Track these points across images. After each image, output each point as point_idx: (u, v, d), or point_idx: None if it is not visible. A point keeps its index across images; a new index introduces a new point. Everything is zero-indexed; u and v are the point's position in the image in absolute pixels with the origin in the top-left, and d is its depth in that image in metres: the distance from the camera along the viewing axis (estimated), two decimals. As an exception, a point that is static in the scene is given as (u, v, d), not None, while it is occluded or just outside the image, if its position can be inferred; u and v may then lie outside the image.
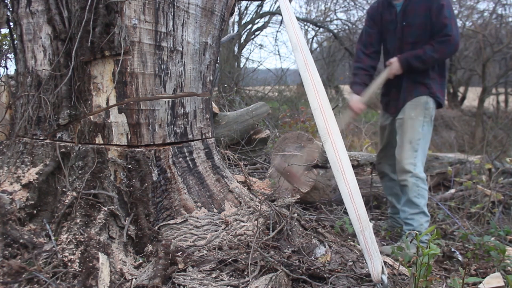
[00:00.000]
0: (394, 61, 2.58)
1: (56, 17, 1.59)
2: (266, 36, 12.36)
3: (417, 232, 1.59)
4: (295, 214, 2.07)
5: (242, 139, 3.74)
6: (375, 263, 1.48)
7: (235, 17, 8.60)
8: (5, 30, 2.39)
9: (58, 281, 1.34)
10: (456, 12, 10.70)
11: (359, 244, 1.66)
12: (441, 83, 2.66)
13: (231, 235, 1.77)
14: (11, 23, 1.80)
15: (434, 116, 2.66)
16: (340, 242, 2.12)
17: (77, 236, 1.47)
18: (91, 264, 1.36)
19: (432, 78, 2.61)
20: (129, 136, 1.65)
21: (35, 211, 1.57)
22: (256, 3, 8.63)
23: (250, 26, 9.31)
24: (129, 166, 1.64)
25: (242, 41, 9.25)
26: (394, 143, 2.70)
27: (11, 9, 1.74)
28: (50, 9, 1.59)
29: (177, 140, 1.77)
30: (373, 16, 2.76)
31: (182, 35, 1.72)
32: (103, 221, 1.54)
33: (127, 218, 1.62)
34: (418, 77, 2.60)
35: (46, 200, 1.61)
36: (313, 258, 1.75)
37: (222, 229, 1.77)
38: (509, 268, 2.09)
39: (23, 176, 1.60)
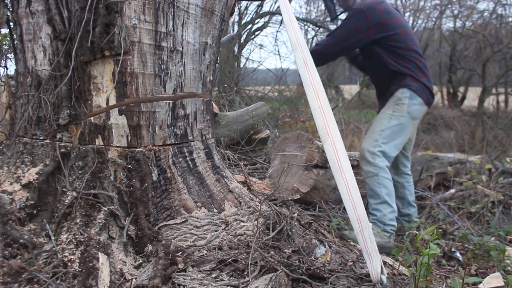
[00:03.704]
0: None
1: (56, 17, 1.59)
2: (266, 36, 12.34)
3: (416, 232, 1.59)
4: (295, 214, 2.08)
5: (242, 139, 3.74)
6: (375, 263, 1.48)
7: (235, 17, 8.59)
8: (5, 30, 2.39)
9: (58, 281, 1.34)
10: (456, 12, 10.71)
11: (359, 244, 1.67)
12: (418, 78, 2.64)
13: (231, 235, 1.77)
14: (11, 23, 1.80)
15: (419, 111, 2.64)
16: (340, 242, 2.12)
17: (77, 236, 1.47)
18: (91, 264, 1.36)
19: (405, 74, 2.63)
20: (129, 138, 1.65)
21: (35, 211, 1.57)
22: (256, 3, 8.62)
23: (250, 26, 9.31)
24: (129, 166, 1.64)
25: (242, 41, 9.24)
26: None
27: (11, 9, 1.74)
28: (50, 9, 1.60)
29: (177, 141, 1.77)
30: None
31: (182, 35, 1.72)
32: (103, 221, 1.54)
33: (127, 218, 1.62)
34: (393, 77, 2.68)
35: (46, 200, 1.61)
36: (313, 258, 1.75)
37: (222, 229, 1.77)
38: (509, 268, 2.08)
39: (23, 176, 1.60)
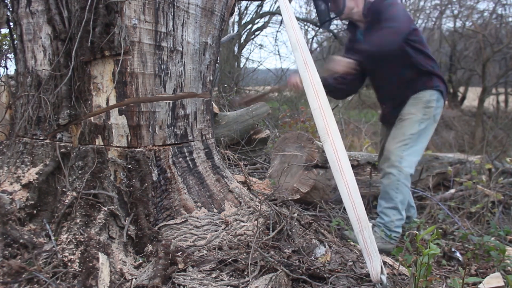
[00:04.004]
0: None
1: (56, 17, 1.59)
2: (266, 36, 12.35)
3: (416, 232, 1.59)
4: (295, 214, 2.08)
5: (242, 139, 3.74)
6: (374, 263, 1.48)
7: (235, 17, 8.59)
8: (5, 30, 2.39)
9: (58, 281, 1.34)
10: (456, 12, 10.72)
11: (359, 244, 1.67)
12: (443, 78, 2.63)
13: (231, 235, 1.77)
14: (11, 23, 1.80)
15: (439, 115, 2.60)
16: (340, 242, 2.12)
17: (77, 236, 1.47)
18: (91, 264, 1.36)
19: (431, 74, 2.57)
20: (129, 138, 1.65)
21: (35, 211, 1.57)
22: (256, 3, 8.63)
23: (250, 26, 9.31)
24: (129, 166, 1.64)
25: (242, 41, 9.24)
26: None
27: (11, 9, 1.74)
28: (50, 9, 1.60)
29: (177, 141, 1.77)
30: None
31: (182, 35, 1.72)
32: (103, 221, 1.54)
33: (127, 218, 1.62)
34: (417, 78, 2.58)
35: (46, 200, 1.61)
36: (313, 258, 1.75)
37: (222, 229, 1.77)
38: (509, 268, 2.08)
39: (23, 176, 1.60)
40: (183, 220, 1.71)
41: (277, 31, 10.63)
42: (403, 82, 2.59)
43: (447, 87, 2.63)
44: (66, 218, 1.55)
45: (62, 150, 1.63)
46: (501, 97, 12.04)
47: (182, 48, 1.73)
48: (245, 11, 9.20)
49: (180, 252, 1.57)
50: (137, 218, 1.63)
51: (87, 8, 1.53)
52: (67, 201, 1.55)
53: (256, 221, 1.87)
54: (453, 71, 12.70)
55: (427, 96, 2.53)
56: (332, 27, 11.44)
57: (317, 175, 2.78)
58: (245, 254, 1.64)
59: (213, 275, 1.51)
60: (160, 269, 1.42)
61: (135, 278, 1.43)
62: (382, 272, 1.47)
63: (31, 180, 1.58)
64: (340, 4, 2.59)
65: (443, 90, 2.56)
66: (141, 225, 1.62)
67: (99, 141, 1.63)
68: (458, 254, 2.39)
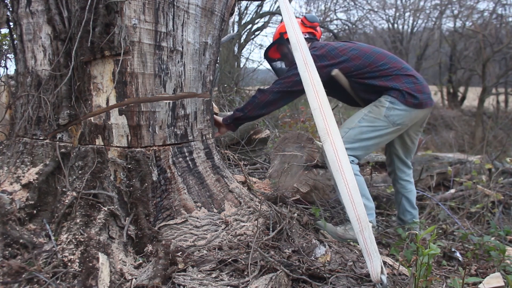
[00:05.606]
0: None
1: (56, 17, 1.59)
2: (266, 36, 12.37)
3: (417, 232, 1.59)
4: (295, 214, 2.08)
5: (242, 139, 3.74)
6: (375, 263, 1.48)
7: (235, 17, 8.59)
8: (5, 30, 2.39)
9: (58, 281, 1.34)
10: (456, 12, 10.73)
11: (358, 244, 1.67)
12: (399, 88, 2.40)
13: (231, 235, 1.77)
14: (11, 23, 1.80)
15: (401, 117, 2.39)
16: (340, 242, 2.12)
17: (77, 236, 1.47)
18: (91, 264, 1.36)
19: (384, 89, 2.42)
20: (129, 138, 1.65)
21: (35, 211, 1.57)
22: (256, 3, 8.63)
23: (250, 26, 9.31)
24: (129, 166, 1.64)
25: (242, 41, 9.24)
26: (392, 149, 2.71)
27: (11, 9, 1.74)
28: (50, 9, 1.60)
29: (177, 141, 1.77)
30: None
31: (182, 35, 1.72)
32: (103, 221, 1.54)
33: (127, 218, 1.62)
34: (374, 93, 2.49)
35: (46, 200, 1.61)
36: (313, 258, 1.75)
37: (222, 229, 1.77)
38: (509, 268, 2.08)
39: (23, 176, 1.60)
40: (183, 220, 1.71)
41: (277, 31, 10.60)
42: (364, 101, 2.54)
43: (409, 93, 2.38)
44: (66, 218, 1.55)
45: (62, 150, 1.63)
46: (501, 97, 12.06)
47: (182, 48, 1.73)
48: (245, 11, 9.21)
49: (180, 252, 1.57)
50: (137, 218, 1.63)
51: (87, 8, 1.53)
52: (67, 201, 1.55)
53: (256, 221, 1.87)
54: (453, 71, 12.72)
55: (381, 98, 2.41)
56: (332, 27, 11.45)
57: (317, 175, 2.78)
58: (245, 254, 1.64)
59: (213, 275, 1.51)
60: (160, 269, 1.42)
61: (135, 278, 1.43)
62: (382, 272, 1.47)
63: (31, 180, 1.58)
64: (290, 58, 2.54)
65: (396, 96, 2.37)
66: (141, 225, 1.62)
67: (99, 141, 1.63)
68: (458, 254, 2.39)
